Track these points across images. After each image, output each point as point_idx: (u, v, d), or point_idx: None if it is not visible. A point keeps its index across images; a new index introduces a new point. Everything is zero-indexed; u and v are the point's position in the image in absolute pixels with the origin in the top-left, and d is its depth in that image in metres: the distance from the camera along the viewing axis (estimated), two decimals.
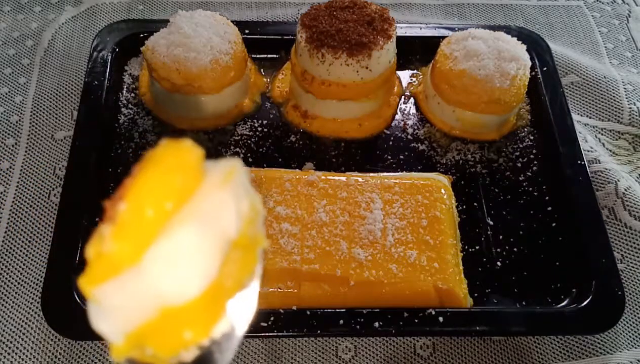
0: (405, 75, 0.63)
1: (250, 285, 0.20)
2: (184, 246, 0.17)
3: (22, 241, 0.51)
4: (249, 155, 0.56)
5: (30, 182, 0.54)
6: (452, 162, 0.56)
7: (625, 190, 0.55)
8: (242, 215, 0.19)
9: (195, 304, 0.18)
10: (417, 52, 0.63)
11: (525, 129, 0.59)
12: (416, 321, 0.44)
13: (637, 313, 0.50)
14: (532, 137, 0.59)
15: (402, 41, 0.56)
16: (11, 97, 0.60)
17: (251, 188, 0.20)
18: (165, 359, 0.19)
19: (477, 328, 0.44)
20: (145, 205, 0.17)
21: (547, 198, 0.54)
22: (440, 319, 0.44)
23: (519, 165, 0.57)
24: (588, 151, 0.58)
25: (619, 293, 0.46)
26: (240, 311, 0.20)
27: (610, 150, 0.60)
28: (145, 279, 0.17)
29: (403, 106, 0.61)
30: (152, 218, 0.17)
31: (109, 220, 0.17)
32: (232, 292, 0.19)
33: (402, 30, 0.61)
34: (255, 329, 0.43)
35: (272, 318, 0.43)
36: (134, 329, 0.18)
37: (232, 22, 0.57)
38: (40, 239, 0.51)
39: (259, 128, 0.58)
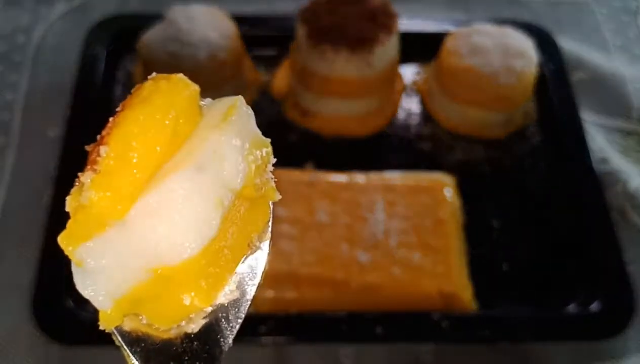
0: (408, 72, 0.61)
1: (259, 244, 0.18)
2: (177, 197, 0.15)
3: (13, 244, 0.49)
4: None
5: (21, 181, 0.53)
6: (457, 161, 0.55)
7: (635, 190, 0.54)
8: (248, 161, 0.16)
9: (193, 265, 0.16)
10: (421, 47, 0.61)
11: (532, 128, 0.58)
12: (419, 326, 0.43)
13: None
14: (539, 136, 0.57)
15: (404, 36, 0.55)
16: (2, 94, 0.58)
17: (257, 129, 0.17)
18: (164, 328, 0.16)
19: (483, 333, 0.43)
20: (131, 149, 0.14)
21: (554, 198, 0.53)
22: (444, 324, 0.43)
23: (526, 164, 0.55)
24: (596, 150, 0.56)
25: (629, 297, 0.45)
26: (249, 274, 0.18)
27: (619, 150, 0.58)
28: (133, 235, 0.15)
29: (406, 103, 0.59)
30: (140, 164, 0.15)
31: (90, 166, 0.15)
32: (239, 252, 0.17)
33: (405, 25, 0.59)
34: (253, 334, 0.42)
35: (271, 323, 0.42)
36: (125, 294, 0.16)
37: (230, 16, 0.55)
38: (31, 240, 0.49)
39: (259, 127, 0.56)
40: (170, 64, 0.51)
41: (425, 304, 0.44)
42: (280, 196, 0.18)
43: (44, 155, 0.54)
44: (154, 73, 0.16)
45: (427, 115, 0.58)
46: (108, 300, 0.16)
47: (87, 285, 0.16)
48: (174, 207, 0.15)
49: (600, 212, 0.50)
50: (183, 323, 0.17)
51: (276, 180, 0.18)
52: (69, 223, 0.15)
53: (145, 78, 0.57)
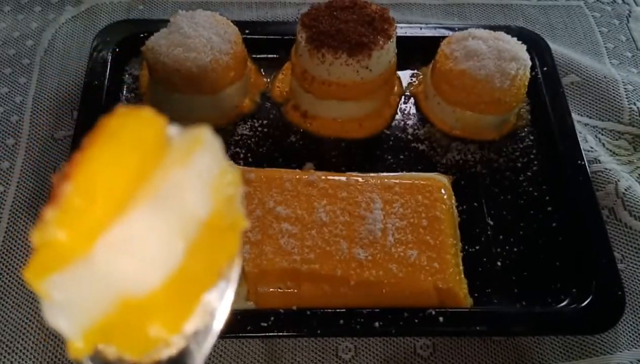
0: (405, 75, 0.63)
1: (229, 272, 0.18)
2: (139, 231, 0.15)
3: (22, 242, 0.51)
4: (249, 155, 0.56)
5: (30, 181, 0.54)
6: (452, 162, 0.56)
7: (626, 190, 0.55)
8: (214, 192, 0.16)
9: (158, 296, 0.16)
10: (417, 52, 0.63)
11: (526, 129, 0.59)
12: (416, 321, 0.44)
13: (637, 313, 0.50)
14: (532, 137, 0.59)
15: (402, 41, 0.56)
16: (11, 97, 0.60)
17: (225, 160, 0.17)
18: (134, 358, 0.17)
19: (477, 328, 0.44)
20: (95, 188, 0.15)
21: (547, 198, 0.54)
22: (440, 319, 0.44)
23: (519, 165, 0.57)
24: (588, 151, 0.58)
25: (619, 293, 0.46)
26: (219, 303, 0.18)
27: (611, 150, 0.60)
28: (98, 268, 0.15)
29: (403, 106, 0.61)
30: (104, 202, 0.15)
31: (55, 201, 0.15)
32: (207, 281, 0.17)
33: (402, 30, 0.61)
34: (255, 329, 0.43)
35: (272, 318, 0.43)
36: (93, 326, 0.16)
37: (232, 22, 0.57)
38: None
39: (259, 128, 0.58)
40: (174, 68, 0.52)
41: (421, 300, 0.45)
42: (249, 224, 0.18)
43: (52, 156, 0.56)
44: (120, 107, 0.16)
45: (423, 118, 0.59)
46: (77, 332, 0.16)
47: (55, 317, 0.16)
48: (136, 241, 0.15)
49: (592, 211, 0.51)
50: (157, 350, 0.17)
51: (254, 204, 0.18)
52: (34, 258, 0.15)
53: (150, 82, 0.58)
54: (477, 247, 0.51)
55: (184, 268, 0.16)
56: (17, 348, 0.46)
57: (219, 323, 0.18)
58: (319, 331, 0.44)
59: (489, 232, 0.52)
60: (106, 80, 0.57)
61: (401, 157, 0.56)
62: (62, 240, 0.15)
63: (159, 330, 0.16)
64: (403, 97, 0.61)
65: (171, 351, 0.17)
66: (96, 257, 0.15)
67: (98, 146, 0.15)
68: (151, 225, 0.15)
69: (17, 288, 0.48)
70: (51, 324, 0.16)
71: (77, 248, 0.15)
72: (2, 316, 0.47)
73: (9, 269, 0.49)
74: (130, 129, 0.15)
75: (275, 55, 0.63)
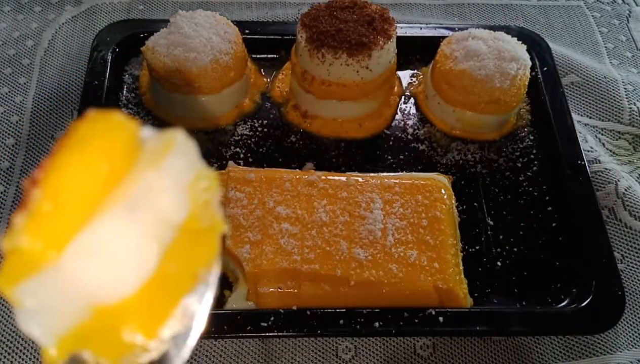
0: (405, 75, 0.63)
1: (208, 276, 0.17)
2: (109, 237, 0.15)
3: None
4: (249, 155, 0.56)
5: None
6: (452, 162, 0.56)
7: (626, 190, 0.55)
8: (190, 195, 0.16)
9: (133, 301, 0.15)
10: (417, 52, 0.63)
11: (526, 129, 0.59)
12: (416, 321, 0.44)
13: (637, 313, 0.50)
14: (532, 137, 0.59)
15: (402, 41, 0.56)
16: (11, 97, 0.60)
17: (201, 162, 0.17)
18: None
19: (477, 328, 0.44)
20: (64, 194, 0.14)
21: (547, 198, 0.54)
22: (440, 319, 0.44)
23: (519, 165, 0.57)
24: (588, 151, 0.58)
25: (619, 293, 0.46)
26: (198, 307, 0.17)
27: (611, 150, 0.60)
28: (69, 275, 0.15)
29: (403, 106, 0.61)
30: (73, 208, 0.14)
31: (24, 207, 0.14)
32: (185, 285, 0.16)
33: (402, 30, 0.61)
34: (255, 329, 0.43)
35: (272, 318, 0.43)
36: (67, 332, 0.16)
37: (232, 22, 0.57)
38: None
39: (259, 128, 0.58)
40: (174, 68, 0.52)
41: (421, 300, 0.45)
42: (228, 228, 0.18)
43: None
44: (91, 112, 0.16)
45: (423, 118, 0.60)
46: (50, 339, 0.16)
47: (28, 324, 0.16)
48: (106, 247, 0.15)
49: (592, 211, 0.51)
50: (136, 355, 0.16)
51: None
52: (4, 265, 0.15)
53: (150, 82, 0.59)
54: (477, 247, 0.51)
55: (159, 273, 0.16)
56: (17, 348, 0.46)
57: (198, 326, 0.18)
58: (319, 331, 0.44)
59: (488, 232, 0.52)
60: (106, 80, 0.57)
61: (401, 157, 0.56)
62: (31, 247, 0.14)
63: (135, 336, 0.16)
64: (403, 97, 0.61)
65: (151, 355, 0.17)
66: (66, 264, 0.15)
67: (67, 151, 0.15)
68: (123, 230, 0.15)
69: None
70: (24, 331, 0.16)
71: (46, 254, 0.15)
72: (2, 316, 0.47)
73: None
74: (100, 134, 0.15)
75: (275, 55, 0.63)
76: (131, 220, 0.15)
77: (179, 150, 0.16)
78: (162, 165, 0.15)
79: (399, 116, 0.60)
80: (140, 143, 0.16)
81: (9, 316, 0.47)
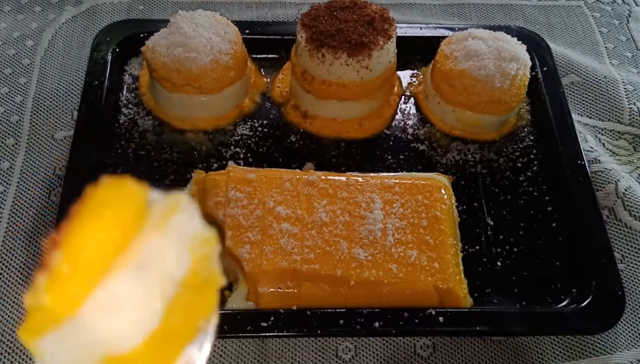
0: (405, 75, 0.63)
1: (207, 327, 0.19)
2: (121, 293, 0.17)
3: (22, 241, 0.51)
4: (249, 155, 0.56)
5: (30, 181, 0.54)
6: (452, 162, 0.56)
7: (626, 190, 0.55)
8: (191, 253, 0.18)
9: (141, 352, 0.17)
10: (417, 52, 0.63)
11: (526, 129, 0.59)
12: (416, 321, 0.44)
13: (637, 313, 0.50)
14: (532, 137, 0.59)
15: (402, 41, 0.56)
16: (11, 97, 0.60)
17: (201, 222, 0.19)
18: None
19: (477, 328, 0.44)
20: (82, 257, 0.17)
21: (547, 198, 0.54)
22: (440, 319, 0.44)
23: (519, 165, 0.57)
24: (588, 151, 0.58)
25: (619, 293, 0.46)
26: (197, 355, 0.19)
27: (611, 150, 0.60)
28: (85, 328, 0.17)
29: (403, 106, 0.61)
30: (90, 269, 0.17)
31: (45, 268, 0.17)
32: (186, 336, 0.18)
33: (402, 30, 0.61)
34: (255, 330, 0.43)
35: (272, 318, 0.43)
36: None
37: (232, 22, 0.57)
38: (40, 239, 0.51)
39: (259, 128, 0.58)
40: (174, 68, 0.52)
41: (421, 300, 0.45)
42: (225, 281, 0.20)
43: (52, 156, 0.56)
44: (105, 178, 0.18)
45: (423, 118, 0.60)
46: None
47: None
48: (118, 303, 0.17)
49: (592, 211, 0.51)
50: None
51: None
52: (27, 320, 0.17)
53: (150, 82, 0.59)
54: (477, 247, 0.51)
55: (163, 325, 0.18)
56: (17, 348, 0.46)
57: None
58: (319, 331, 0.44)
59: (488, 232, 0.52)
60: (106, 80, 0.57)
61: (401, 157, 0.56)
62: (51, 305, 0.17)
63: None
64: (403, 97, 0.61)
65: None
66: (82, 318, 0.17)
67: (84, 216, 0.17)
68: (132, 287, 0.17)
69: (17, 288, 0.48)
70: None
71: (65, 311, 0.17)
72: (2, 316, 0.47)
73: (9, 269, 0.49)
74: (116, 201, 0.17)
75: (275, 55, 0.63)
76: (139, 278, 0.17)
77: (182, 213, 0.18)
78: (167, 228, 0.18)
79: (399, 116, 0.60)
80: (149, 205, 0.18)
81: (9, 316, 0.47)
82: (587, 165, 0.54)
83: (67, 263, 0.16)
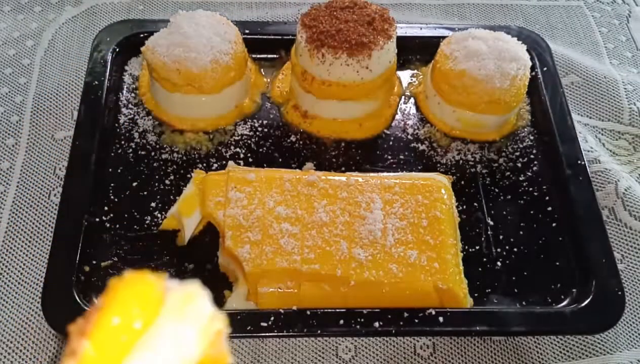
0: (405, 75, 0.63)
1: None
2: None
3: (22, 241, 0.51)
4: (249, 155, 0.56)
5: (30, 182, 0.54)
6: (452, 162, 0.56)
7: (626, 190, 0.55)
8: (203, 336, 0.20)
9: None
10: (417, 52, 0.63)
11: (526, 129, 0.59)
12: (416, 321, 0.44)
13: (637, 313, 0.50)
14: (532, 137, 0.59)
15: (402, 41, 0.56)
16: (11, 97, 0.60)
17: (212, 308, 0.21)
18: None
19: (477, 328, 0.44)
20: (107, 345, 0.18)
21: (547, 198, 0.54)
22: (440, 319, 0.44)
23: (519, 165, 0.57)
24: (588, 151, 0.58)
25: (619, 293, 0.46)
26: None
27: (611, 150, 0.60)
28: None
29: (403, 106, 0.61)
30: (113, 355, 0.19)
31: (73, 355, 0.18)
32: None
33: (402, 30, 0.61)
34: (255, 329, 0.43)
35: (272, 318, 0.43)
36: None
37: (232, 22, 0.57)
38: (40, 239, 0.51)
39: (259, 128, 0.58)
40: (174, 68, 0.52)
41: (421, 300, 0.45)
42: (232, 361, 0.22)
43: (52, 156, 0.56)
44: (128, 274, 0.20)
45: (423, 118, 0.60)
46: None
47: None
48: None
49: (592, 211, 0.51)
50: None
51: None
52: None
53: (150, 82, 0.58)
54: (477, 247, 0.51)
55: None
56: (17, 348, 0.46)
57: None
58: (319, 331, 0.44)
59: (489, 232, 0.52)
60: (106, 80, 0.57)
61: (401, 157, 0.56)
62: None
63: None
64: (403, 97, 0.61)
65: None
66: None
67: (109, 308, 0.19)
68: None
69: (17, 288, 0.48)
70: None
71: None
72: (2, 316, 0.47)
73: (9, 269, 0.49)
74: (136, 296, 0.20)
75: (275, 55, 0.63)
76: (155, 361, 0.19)
77: (196, 302, 0.21)
78: (182, 316, 0.20)
79: (399, 116, 0.60)
80: (165, 295, 0.20)
81: (9, 316, 0.47)
82: (587, 165, 0.54)
83: (94, 350, 0.18)
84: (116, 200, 0.52)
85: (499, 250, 0.51)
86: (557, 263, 0.50)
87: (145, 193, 0.52)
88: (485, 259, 0.50)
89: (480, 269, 0.50)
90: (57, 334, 0.45)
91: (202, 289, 0.21)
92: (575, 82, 0.64)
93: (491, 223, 0.52)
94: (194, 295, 0.21)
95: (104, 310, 0.19)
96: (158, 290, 0.20)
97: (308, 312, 0.44)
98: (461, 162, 0.56)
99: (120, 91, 0.59)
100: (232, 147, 0.56)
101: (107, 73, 0.57)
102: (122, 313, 0.19)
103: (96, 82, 0.57)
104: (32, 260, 0.50)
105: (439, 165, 0.56)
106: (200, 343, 0.20)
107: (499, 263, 0.50)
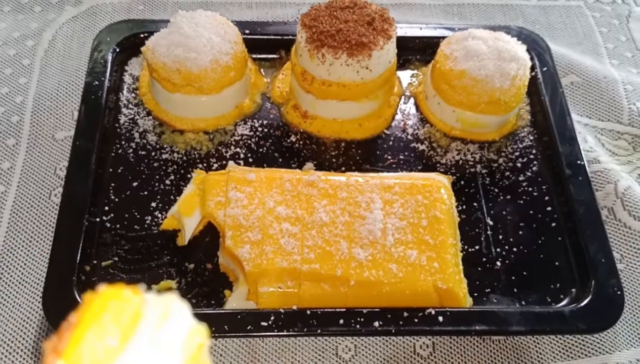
0: (405, 75, 0.63)
1: None
2: None
3: (23, 241, 0.51)
4: (249, 155, 0.56)
5: (30, 182, 0.54)
6: (452, 162, 0.56)
7: (625, 190, 0.55)
8: (184, 349, 0.20)
9: None
10: (417, 52, 0.63)
11: (525, 129, 0.59)
12: (416, 321, 0.44)
13: (637, 313, 0.50)
14: (532, 137, 0.59)
15: (402, 41, 0.56)
16: (11, 97, 0.60)
17: (192, 321, 0.21)
18: None
19: (477, 327, 0.44)
20: (82, 361, 0.18)
21: (547, 198, 0.54)
22: (440, 318, 0.44)
23: (519, 165, 0.57)
24: (588, 151, 0.58)
25: (619, 293, 0.47)
26: None
27: (610, 150, 0.60)
28: None
29: (403, 106, 0.61)
30: None
31: None
32: None
33: (402, 30, 0.61)
34: (255, 329, 0.43)
35: (272, 318, 0.43)
36: None
37: (232, 22, 0.57)
38: (40, 239, 0.51)
39: (259, 128, 0.58)
40: (174, 68, 0.52)
41: (421, 300, 0.45)
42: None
43: (53, 156, 0.56)
44: (102, 288, 0.19)
45: (423, 118, 0.60)
46: None
47: None
48: None
49: (592, 211, 0.51)
50: None
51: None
52: None
53: (150, 82, 0.58)
54: (477, 247, 0.51)
55: None
56: (17, 347, 0.46)
57: None
58: (319, 331, 0.44)
59: (488, 232, 0.52)
60: (106, 80, 0.57)
61: (401, 157, 0.56)
62: None
63: None
64: (403, 97, 0.61)
65: None
66: None
67: (84, 327, 0.18)
68: None
69: (17, 288, 0.48)
70: None
71: None
72: (2, 316, 0.47)
73: (9, 269, 0.49)
74: (112, 312, 0.19)
75: (275, 55, 0.63)
76: None
77: (176, 316, 0.20)
78: (159, 331, 0.19)
79: (399, 116, 0.60)
80: (143, 309, 0.20)
81: (9, 316, 0.47)
82: (586, 165, 0.54)
83: None
84: (116, 200, 0.52)
85: (498, 249, 0.51)
86: (557, 263, 0.51)
87: (145, 193, 0.52)
88: (484, 259, 0.50)
89: (479, 269, 0.50)
90: (56, 334, 0.45)
91: (182, 302, 0.20)
92: (575, 82, 0.64)
93: (491, 223, 0.52)
94: (173, 308, 0.20)
95: (78, 327, 0.18)
96: (135, 305, 0.19)
97: (308, 312, 0.44)
98: (461, 162, 0.56)
99: (120, 91, 0.59)
100: (232, 147, 0.56)
101: (108, 74, 0.57)
102: (98, 329, 0.18)
103: (96, 82, 0.57)
104: (32, 259, 0.50)
105: (438, 165, 0.56)
106: (181, 358, 0.20)
107: (498, 263, 0.50)
